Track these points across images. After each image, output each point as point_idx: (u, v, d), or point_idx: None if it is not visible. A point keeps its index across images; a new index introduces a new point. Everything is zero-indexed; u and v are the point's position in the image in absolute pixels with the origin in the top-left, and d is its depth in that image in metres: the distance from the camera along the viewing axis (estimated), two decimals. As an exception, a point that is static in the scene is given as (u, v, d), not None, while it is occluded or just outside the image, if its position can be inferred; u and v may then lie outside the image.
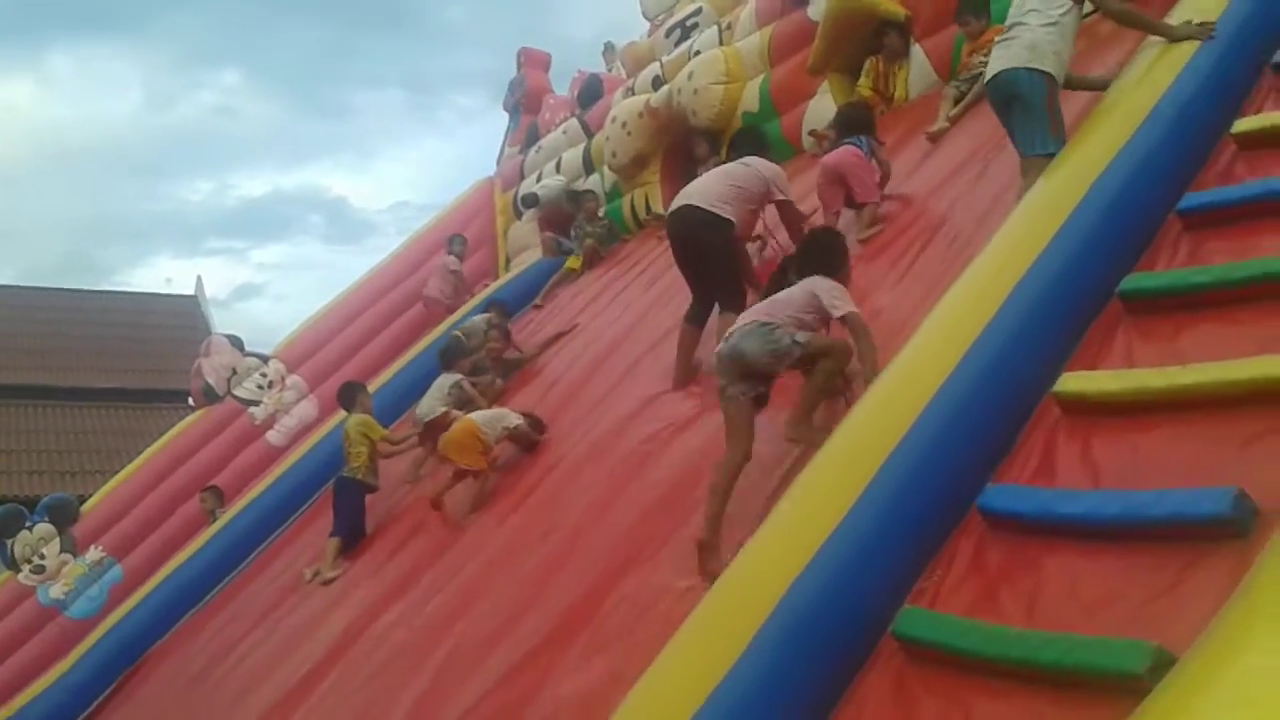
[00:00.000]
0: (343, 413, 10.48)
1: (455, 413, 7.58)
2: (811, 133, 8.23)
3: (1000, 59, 4.74)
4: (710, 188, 6.00)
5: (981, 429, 3.45)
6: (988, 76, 4.88)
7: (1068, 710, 2.53)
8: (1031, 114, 4.66)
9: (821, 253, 4.72)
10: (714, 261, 6.00)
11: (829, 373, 4.41)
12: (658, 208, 10.42)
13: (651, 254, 9.50)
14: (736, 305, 5.61)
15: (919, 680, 2.89)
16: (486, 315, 9.69)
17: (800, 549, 3.13)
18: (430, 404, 8.12)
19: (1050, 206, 4.04)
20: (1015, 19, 4.81)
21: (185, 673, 8.17)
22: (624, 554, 4.78)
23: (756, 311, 4.53)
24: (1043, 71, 4.60)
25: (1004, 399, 3.52)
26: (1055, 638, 2.69)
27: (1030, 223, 4.06)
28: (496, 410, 7.22)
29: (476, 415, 7.08)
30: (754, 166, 6.06)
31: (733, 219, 5.87)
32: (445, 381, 8.24)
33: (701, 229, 5.93)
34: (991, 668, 2.75)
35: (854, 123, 6.50)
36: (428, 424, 8.01)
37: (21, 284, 25.51)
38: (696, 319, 6.18)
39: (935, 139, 6.71)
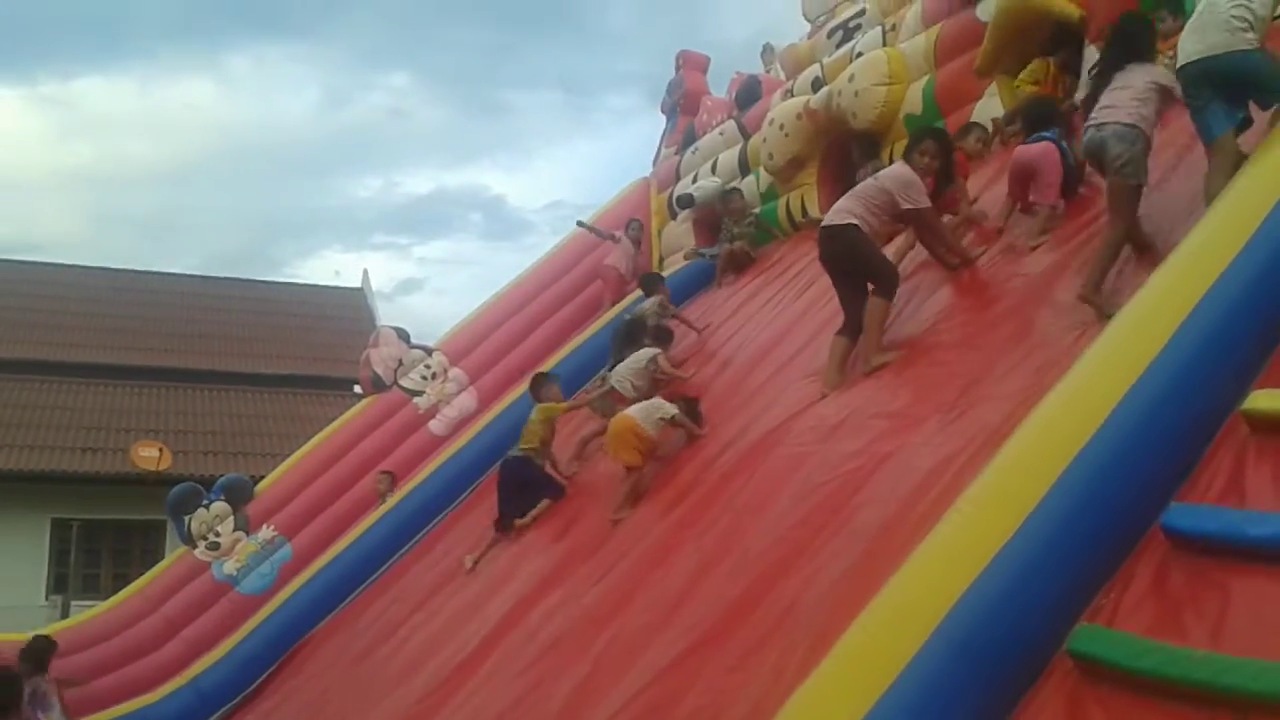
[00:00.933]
0: (499, 405, 10.94)
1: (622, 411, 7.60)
2: (993, 121, 7.99)
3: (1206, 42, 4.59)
4: (840, 205, 6.25)
5: (1165, 445, 3.34)
6: (1192, 58, 4.69)
7: (1255, 739, 2.46)
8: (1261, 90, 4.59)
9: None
10: (848, 263, 6.20)
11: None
12: (814, 211, 10.36)
13: (805, 258, 9.45)
14: (888, 291, 6.01)
15: (1095, 699, 2.84)
16: (655, 298, 9.81)
17: (971, 560, 3.10)
18: (624, 374, 8.23)
19: (1240, 215, 3.88)
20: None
21: (349, 651, 8.56)
22: (781, 555, 4.79)
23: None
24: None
25: (1189, 415, 3.41)
26: (1241, 662, 2.61)
27: (1218, 231, 3.91)
28: (652, 402, 7.30)
29: (635, 410, 7.20)
30: (880, 180, 6.19)
31: (856, 222, 6.05)
32: (643, 355, 8.36)
33: (831, 242, 6.23)
34: (1171, 690, 2.69)
35: (1043, 117, 6.37)
36: (613, 391, 8.21)
37: (201, 274, 26.99)
38: (847, 333, 6.29)
39: None
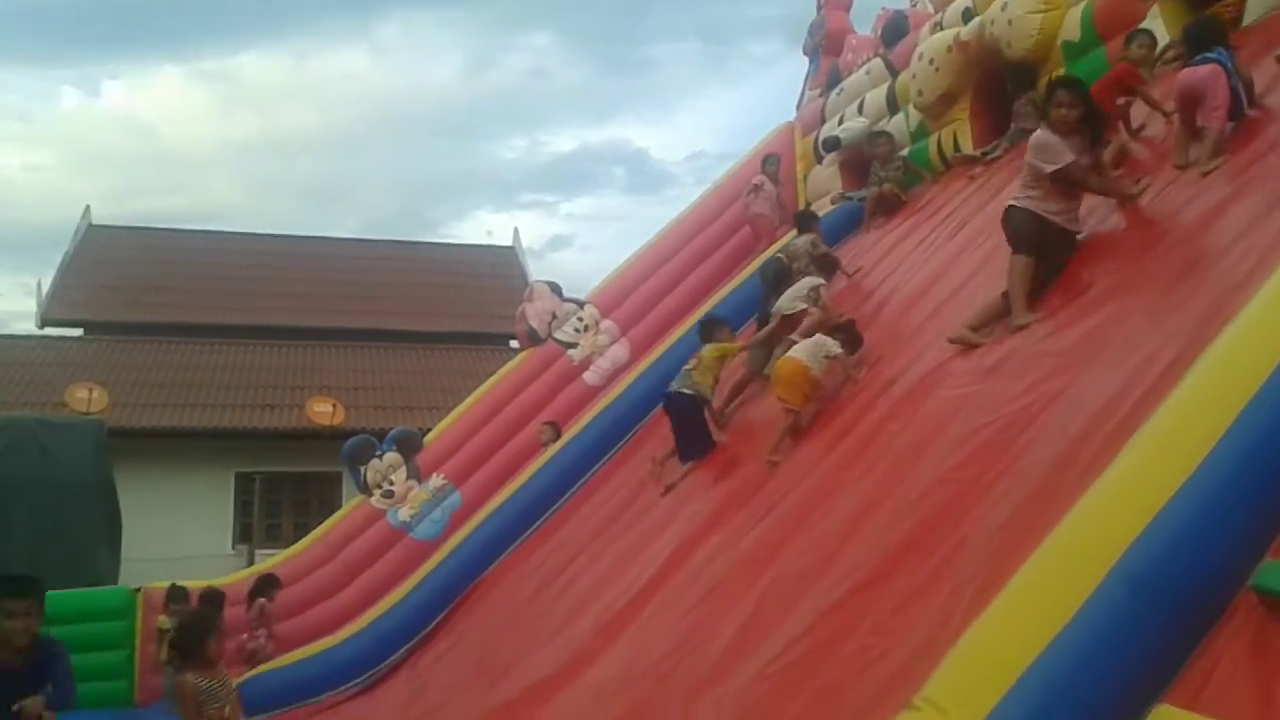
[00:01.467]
0: (651, 355, 11.10)
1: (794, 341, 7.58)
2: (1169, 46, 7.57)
3: None
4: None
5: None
6: None
7: None
8: None
9: None
10: (1010, 239, 6.10)
11: None
12: (967, 147, 10.08)
13: (959, 197, 9.22)
14: (1027, 248, 5.91)
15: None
16: (808, 236, 9.77)
17: (1151, 496, 3.04)
18: (791, 300, 8.26)
19: None
20: None
21: (518, 594, 8.90)
22: (945, 496, 4.76)
23: None
24: None
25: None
26: None
27: None
28: (815, 340, 7.29)
29: (800, 352, 7.21)
30: (1028, 157, 6.02)
31: (1015, 203, 5.99)
32: (806, 284, 8.37)
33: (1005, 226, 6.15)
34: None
35: (1207, 35, 6.04)
36: (784, 317, 8.19)
37: (361, 237, 28.14)
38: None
39: None
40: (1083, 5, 8.73)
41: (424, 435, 12.23)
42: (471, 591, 9.91)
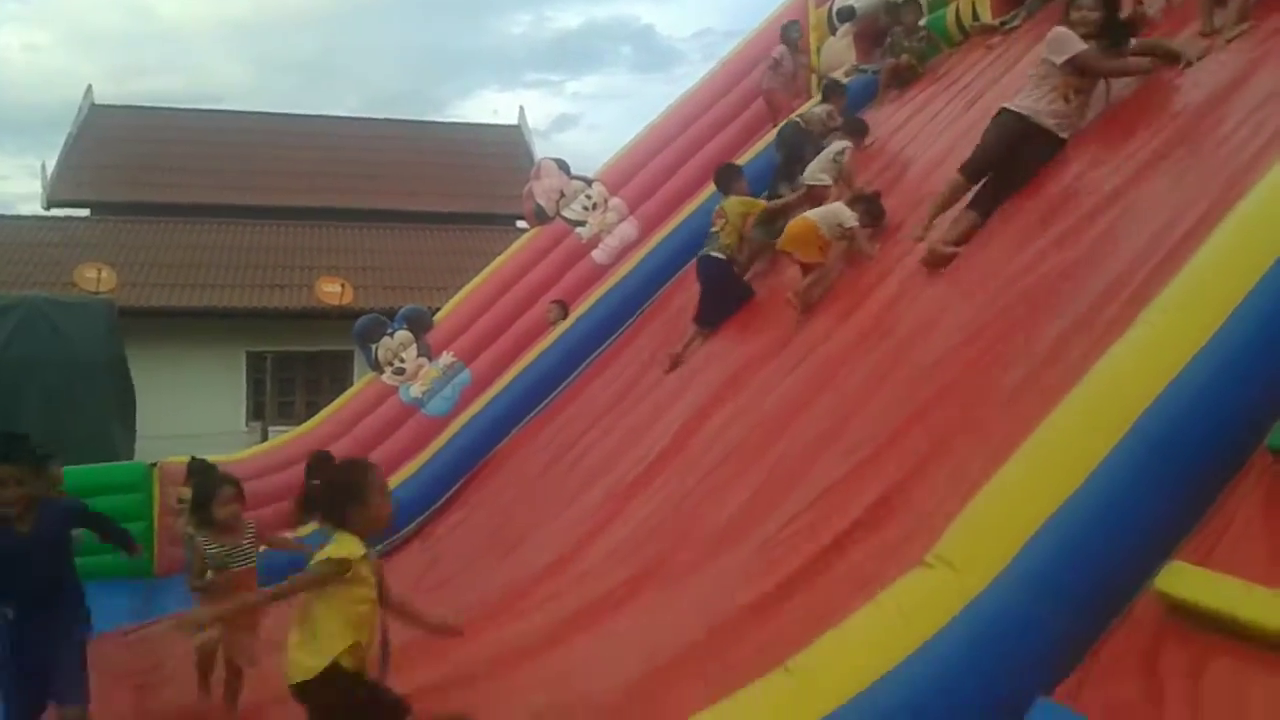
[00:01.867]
0: (660, 232, 10.99)
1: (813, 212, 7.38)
2: None
3: None
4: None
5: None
6: None
7: None
8: None
9: None
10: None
11: None
12: (985, 16, 9.76)
13: (976, 68, 8.96)
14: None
15: (1298, 493, 2.77)
16: (826, 105, 9.57)
17: (1167, 361, 3.03)
18: (814, 171, 8.12)
19: None
20: None
21: (530, 467, 9.01)
22: (958, 366, 4.75)
23: None
24: None
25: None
26: None
27: None
28: (833, 207, 7.19)
29: (814, 213, 7.12)
30: (1042, 52, 5.95)
31: (1022, 112, 5.94)
32: (832, 149, 8.21)
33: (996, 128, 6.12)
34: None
35: None
36: (810, 188, 8.05)
37: (365, 115, 27.69)
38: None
39: None
40: None
41: (433, 314, 12.19)
42: (483, 466, 10.03)
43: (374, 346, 11.83)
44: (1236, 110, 4.84)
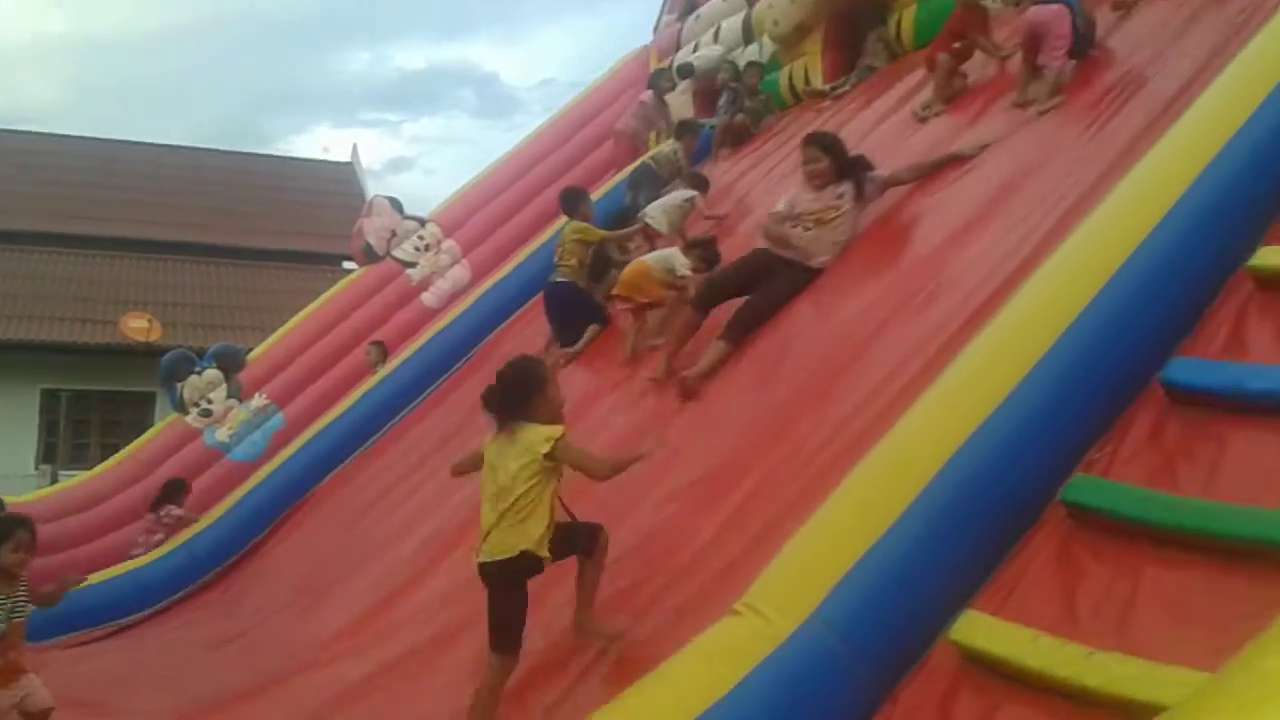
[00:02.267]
0: (492, 277, 10.83)
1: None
2: None
3: None
4: None
5: (1166, 302, 3.33)
6: None
7: (1242, 580, 2.49)
8: None
9: None
10: None
11: None
12: (817, 81, 10.12)
13: (808, 128, 9.23)
14: None
15: (1085, 547, 2.86)
16: (675, 144, 9.65)
17: (970, 415, 3.10)
18: (655, 211, 8.03)
19: (1250, 80, 3.79)
20: None
21: (341, 516, 8.60)
22: (773, 418, 4.78)
23: None
24: None
25: (1193, 273, 3.38)
26: (1233, 509, 2.63)
27: (1229, 96, 3.82)
28: (667, 252, 7.16)
29: (649, 257, 7.07)
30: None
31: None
32: (679, 195, 8.18)
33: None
34: (1164, 537, 2.71)
35: None
36: (645, 225, 7.95)
37: (189, 145, 26.50)
38: None
39: (1127, 6, 6.31)
40: (934, -53, 8.82)
41: (246, 354, 11.65)
42: (293, 513, 9.55)
43: (180, 385, 11.20)
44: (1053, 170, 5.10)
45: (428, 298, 11.38)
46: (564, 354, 7.86)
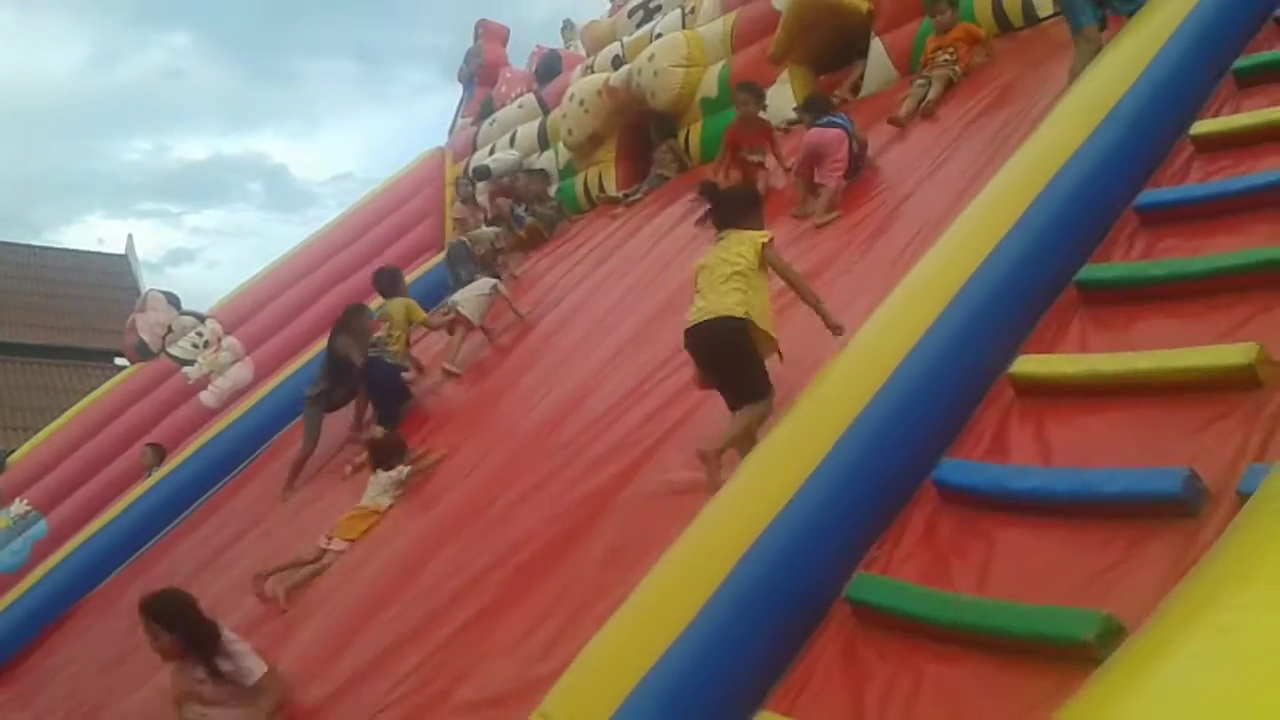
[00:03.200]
0: (277, 376, 10.41)
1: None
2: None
3: None
4: None
5: (937, 406, 3.52)
6: None
7: (1016, 675, 2.58)
8: None
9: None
10: None
11: None
12: (611, 188, 10.42)
13: (602, 231, 9.49)
14: None
15: (870, 644, 2.94)
16: (495, 229, 9.92)
17: (755, 518, 3.16)
18: (466, 298, 8.28)
19: (1010, 196, 4.12)
20: None
21: (108, 632, 7.95)
22: (563, 523, 4.77)
23: None
24: None
25: (960, 379, 3.59)
26: (1005, 605, 2.76)
27: (990, 210, 4.14)
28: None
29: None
30: None
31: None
32: (486, 283, 8.45)
33: None
34: (942, 633, 2.81)
35: (821, 105, 6.72)
36: (459, 314, 8.17)
37: (-53, 234, 24.54)
38: None
39: (901, 124, 6.83)
40: (720, 65, 9.35)
41: (6, 456, 10.74)
42: (55, 628, 8.74)
43: (-70, 495, 10.22)
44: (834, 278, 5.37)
45: (206, 397, 10.83)
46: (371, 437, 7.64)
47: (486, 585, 4.72)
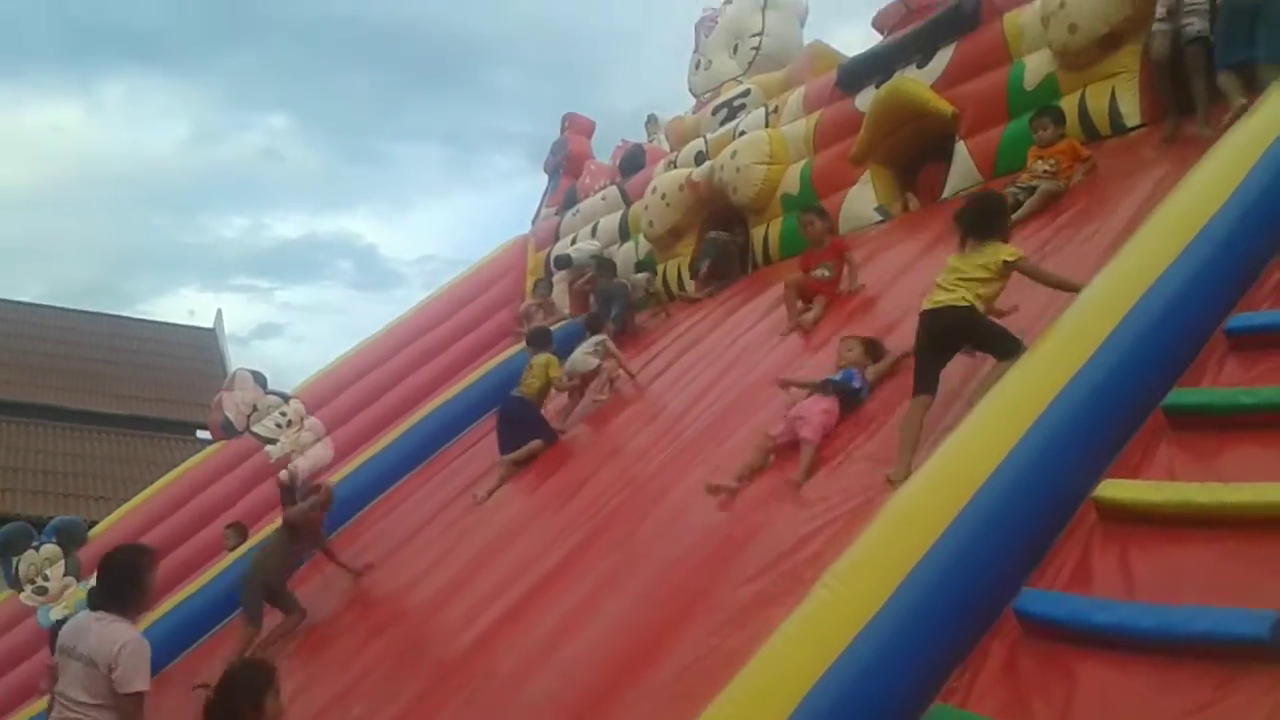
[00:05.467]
0: (356, 458, 10.58)
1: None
2: None
3: None
4: None
5: (1019, 531, 3.45)
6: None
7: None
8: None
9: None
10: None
11: None
12: (689, 282, 10.49)
13: (681, 326, 9.54)
14: None
15: (944, 779, 2.86)
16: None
17: (826, 645, 3.11)
18: (582, 358, 8.89)
19: (1098, 315, 4.06)
20: None
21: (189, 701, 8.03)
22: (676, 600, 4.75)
23: None
24: None
25: (1043, 502, 3.52)
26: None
27: (1077, 328, 4.08)
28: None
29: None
30: None
31: None
32: (591, 341, 9.04)
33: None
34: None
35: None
36: (583, 375, 8.84)
37: (45, 303, 25.52)
38: None
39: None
40: (803, 163, 9.45)
41: (90, 528, 11.02)
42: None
43: (15, 559, 10.55)
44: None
45: (286, 476, 11.00)
46: (507, 465, 8.45)
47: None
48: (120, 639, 4.23)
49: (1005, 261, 4.69)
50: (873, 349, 5.95)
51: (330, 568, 8.42)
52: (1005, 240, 4.92)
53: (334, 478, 10.41)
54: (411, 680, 5.81)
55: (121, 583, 4.43)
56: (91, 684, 4.19)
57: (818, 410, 5.55)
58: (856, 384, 5.70)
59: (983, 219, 4.89)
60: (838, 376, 5.76)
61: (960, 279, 4.71)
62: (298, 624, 7.90)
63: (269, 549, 8.16)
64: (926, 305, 4.82)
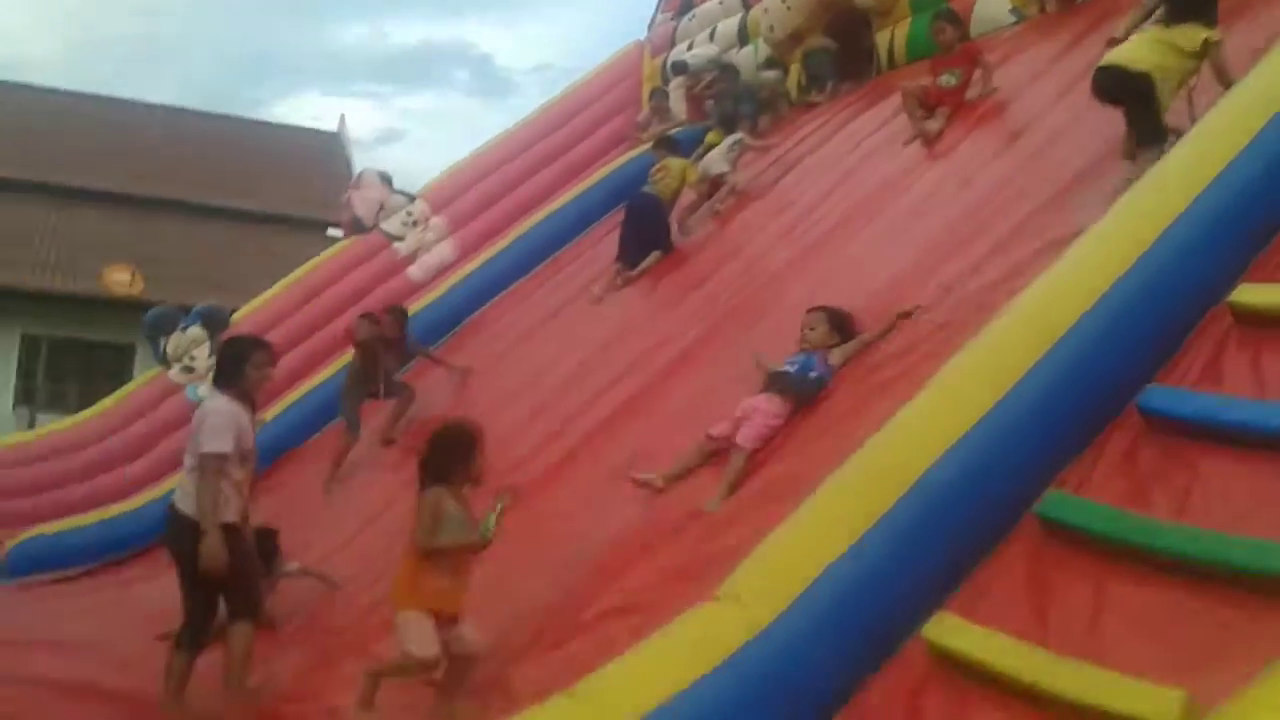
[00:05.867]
0: (478, 257, 10.85)
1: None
2: None
3: None
4: None
5: (1148, 329, 3.45)
6: None
7: (1211, 603, 2.60)
8: None
9: None
10: None
11: None
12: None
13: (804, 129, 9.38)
14: None
15: (1055, 560, 2.98)
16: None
17: (954, 424, 3.19)
18: (716, 158, 8.92)
19: (1239, 117, 3.91)
20: None
21: (312, 488, 8.60)
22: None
23: None
24: None
25: (1175, 303, 3.51)
26: (1204, 534, 2.75)
27: (1219, 133, 3.94)
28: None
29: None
30: None
31: None
32: (727, 142, 8.96)
33: None
34: (1133, 554, 2.83)
35: None
36: (713, 178, 8.83)
37: (176, 104, 26.12)
38: None
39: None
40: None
41: (232, 314, 11.63)
42: (275, 469, 9.45)
43: (164, 340, 11.23)
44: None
45: (414, 271, 11.39)
46: (623, 275, 8.47)
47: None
48: (209, 408, 4.85)
49: (1206, 40, 4.61)
50: (840, 325, 5.12)
51: (438, 371, 8.80)
52: (1211, 27, 4.73)
53: (457, 276, 10.78)
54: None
55: (227, 366, 5.00)
56: (191, 448, 4.83)
57: (763, 415, 4.86)
58: (814, 373, 4.93)
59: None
60: (794, 367, 4.98)
61: (1153, 39, 4.69)
62: (407, 406, 8.42)
63: (353, 369, 8.64)
64: (1103, 61, 4.83)
